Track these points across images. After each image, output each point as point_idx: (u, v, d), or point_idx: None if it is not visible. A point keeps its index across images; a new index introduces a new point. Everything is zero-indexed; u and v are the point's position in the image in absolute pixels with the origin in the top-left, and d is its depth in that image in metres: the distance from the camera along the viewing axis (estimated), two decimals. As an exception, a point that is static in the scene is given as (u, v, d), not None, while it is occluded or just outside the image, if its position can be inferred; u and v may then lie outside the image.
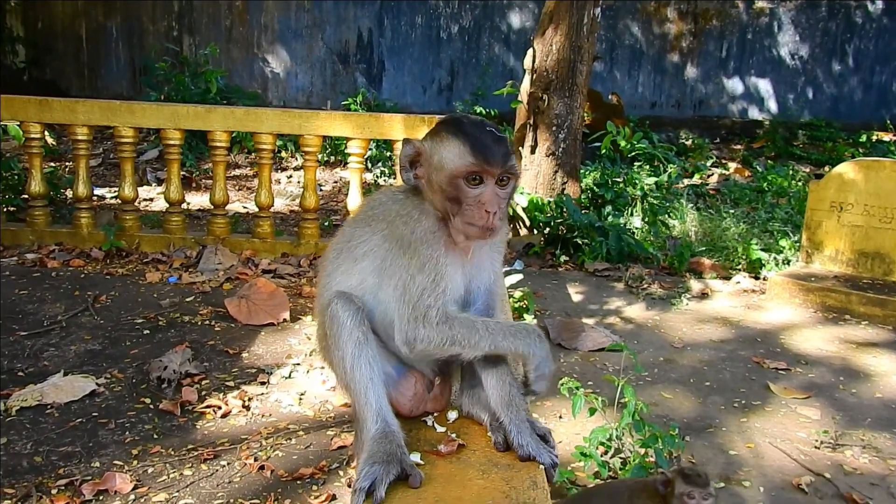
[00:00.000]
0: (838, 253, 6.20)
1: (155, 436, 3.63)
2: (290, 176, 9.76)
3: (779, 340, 5.25)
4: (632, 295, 6.04)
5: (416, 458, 1.87)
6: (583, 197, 7.66)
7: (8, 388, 3.96)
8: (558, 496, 3.05)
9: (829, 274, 6.13)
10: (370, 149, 8.98)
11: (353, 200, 6.26)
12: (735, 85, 13.19)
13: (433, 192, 1.88)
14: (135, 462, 3.40)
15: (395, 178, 8.35)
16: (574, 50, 7.42)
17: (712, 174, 10.57)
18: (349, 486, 3.26)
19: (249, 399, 4.00)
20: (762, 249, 6.81)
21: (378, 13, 12.43)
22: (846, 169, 6.20)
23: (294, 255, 6.26)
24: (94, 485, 3.19)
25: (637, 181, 7.69)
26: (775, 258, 6.71)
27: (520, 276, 5.74)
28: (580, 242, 6.80)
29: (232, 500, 3.17)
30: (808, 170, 10.70)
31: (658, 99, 13.09)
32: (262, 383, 4.19)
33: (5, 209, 6.67)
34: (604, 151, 7.96)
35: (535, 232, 7.07)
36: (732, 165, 11.13)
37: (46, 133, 6.88)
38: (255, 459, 3.45)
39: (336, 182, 9.64)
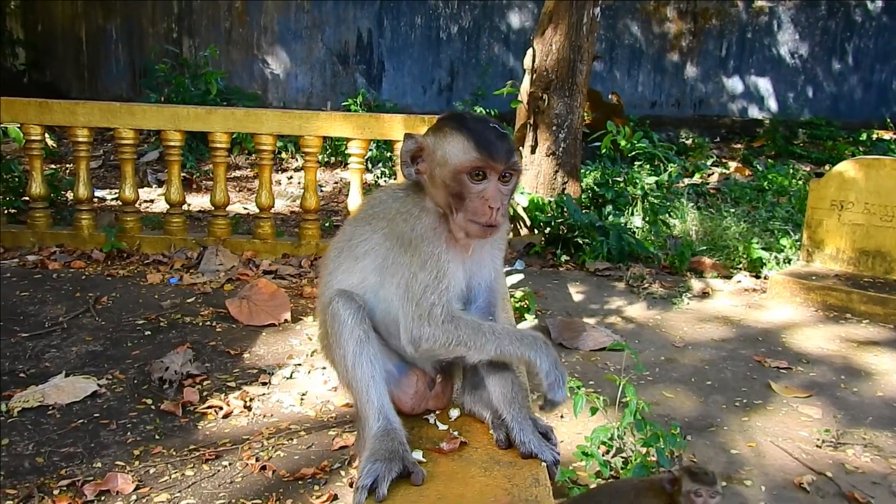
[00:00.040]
0: (839, 251, 6.19)
1: (156, 436, 3.63)
2: (291, 177, 9.77)
3: (780, 339, 5.25)
4: (633, 294, 6.04)
5: (418, 455, 1.87)
6: (583, 196, 7.67)
7: (9, 389, 3.96)
8: (560, 495, 3.05)
9: (830, 273, 6.13)
10: (370, 149, 8.99)
11: (354, 201, 6.26)
12: (735, 84, 13.19)
13: (435, 187, 1.88)
14: (136, 462, 3.41)
15: (395, 179, 8.35)
16: (574, 49, 7.42)
17: (713, 173, 10.57)
18: (351, 485, 3.26)
19: (251, 399, 4.00)
20: (763, 248, 6.80)
21: (377, 14, 12.44)
22: (847, 167, 6.20)
23: (295, 255, 6.27)
24: (95, 485, 3.19)
25: (637, 180, 7.69)
26: (776, 257, 6.71)
27: (521, 276, 5.74)
28: (581, 242, 6.80)
29: (234, 501, 3.17)
30: (808, 168, 10.70)
31: (658, 98, 13.09)
32: (264, 384, 4.19)
33: (6, 211, 6.68)
34: (604, 151, 7.96)
35: (536, 232, 7.07)
36: (733, 164, 11.13)
37: (47, 135, 6.89)
38: (257, 460, 3.45)
39: (337, 183, 9.65)
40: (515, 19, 12.66)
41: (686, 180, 9.62)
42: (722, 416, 4.12)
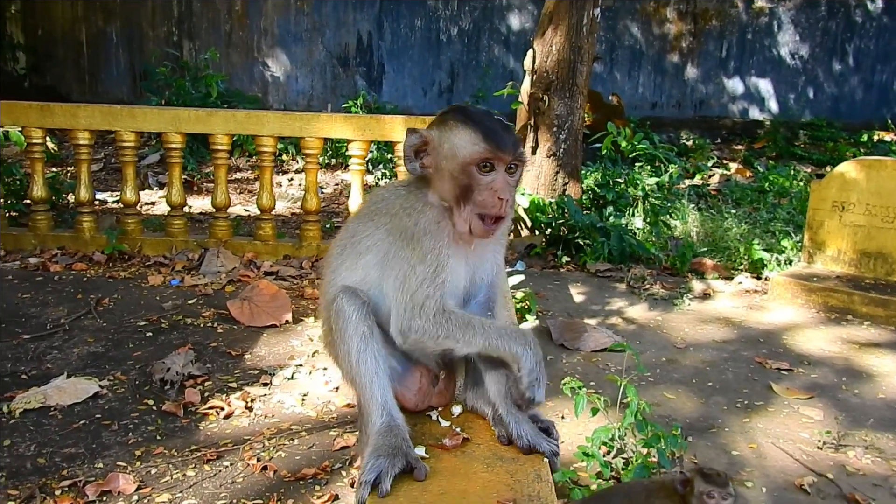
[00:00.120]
0: (840, 253, 6.19)
1: (158, 437, 3.63)
2: (292, 179, 9.78)
3: (781, 341, 5.25)
4: (634, 295, 6.04)
5: (420, 451, 1.88)
6: (584, 198, 7.67)
7: (11, 390, 3.96)
8: (561, 496, 3.05)
9: (832, 274, 6.12)
10: (371, 151, 9.00)
11: (355, 202, 6.27)
12: (735, 85, 13.19)
13: (442, 180, 1.89)
14: (138, 463, 3.41)
15: (396, 180, 8.35)
16: (574, 51, 7.43)
17: (713, 174, 10.57)
18: (352, 486, 3.26)
19: (252, 400, 4.01)
20: (764, 250, 6.80)
21: (377, 16, 12.46)
22: (848, 168, 6.19)
23: (296, 257, 6.28)
24: (97, 486, 3.20)
25: (638, 182, 7.70)
26: (777, 258, 6.70)
27: (521, 277, 5.74)
28: (582, 243, 6.80)
29: (235, 501, 3.17)
30: (809, 170, 10.70)
31: (658, 99, 13.09)
32: (265, 384, 4.19)
33: (7, 214, 6.69)
34: (605, 152, 7.96)
35: (537, 233, 7.07)
36: (733, 166, 11.13)
37: (48, 138, 6.90)
38: (258, 460, 3.45)
39: (337, 184, 9.66)
40: (515, 21, 12.68)
41: (687, 181, 9.62)
42: (723, 418, 4.12)
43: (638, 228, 7.23)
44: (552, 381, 4.18)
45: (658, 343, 5.13)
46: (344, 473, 3.39)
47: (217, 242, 6.24)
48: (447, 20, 12.61)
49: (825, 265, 6.26)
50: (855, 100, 13.40)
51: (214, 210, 6.40)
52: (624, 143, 7.79)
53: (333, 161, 10.34)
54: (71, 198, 7.04)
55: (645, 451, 3.34)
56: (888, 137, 12.61)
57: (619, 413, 3.61)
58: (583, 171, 8.38)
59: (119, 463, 3.40)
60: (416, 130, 1.92)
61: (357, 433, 3.39)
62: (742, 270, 6.65)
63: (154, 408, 3.90)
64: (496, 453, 1.91)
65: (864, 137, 12.28)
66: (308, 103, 12.47)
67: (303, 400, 4.05)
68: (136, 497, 3.16)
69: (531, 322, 5.19)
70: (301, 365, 4.43)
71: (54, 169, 8.59)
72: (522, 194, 7.09)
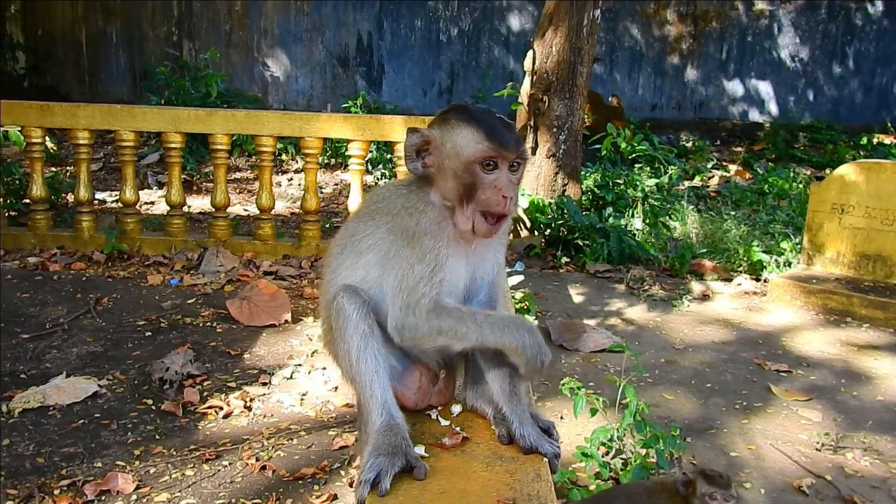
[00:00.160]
0: (840, 255, 6.19)
1: (157, 436, 3.63)
2: (291, 179, 9.78)
3: (780, 342, 5.25)
4: (633, 296, 6.05)
5: (420, 450, 1.88)
6: (583, 198, 7.68)
7: (10, 390, 3.96)
8: (559, 496, 3.05)
9: (831, 276, 6.13)
10: (371, 151, 9.00)
11: (354, 202, 6.27)
12: (735, 87, 13.20)
13: (445, 180, 1.89)
14: (137, 462, 3.41)
15: (396, 179, 8.35)
16: (574, 51, 7.44)
17: (713, 176, 10.57)
18: (351, 485, 3.26)
19: (251, 400, 4.00)
20: (763, 251, 6.80)
21: (377, 16, 12.46)
22: (847, 171, 6.20)
23: (295, 256, 6.28)
24: (96, 485, 3.20)
25: (638, 183, 7.70)
26: (776, 260, 6.71)
27: (521, 278, 5.74)
28: (581, 244, 6.81)
29: (234, 500, 3.17)
30: (808, 172, 10.71)
31: (658, 101, 13.10)
32: (264, 384, 4.19)
33: (7, 213, 6.69)
34: (604, 153, 7.97)
35: (536, 233, 7.08)
36: (733, 167, 11.14)
37: (47, 138, 6.90)
38: (257, 459, 3.45)
39: (337, 184, 9.66)
40: (515, 21, 12.69)
41: (686, 183, 9.63)
42: (722, 419, 4.12)
43: (637, 229, 7.23)
44: (551, 382, 4.19)
45: (657, 344, 5.13)
46: (343, 473, 3.39)
47: (216, 242, 6.24)
48: (447, 21, 12.61)
49: (824, 267, 6.27)
50: (855, 103, 13.40)
51: (214, 210, 6.40)
52: (623, 145, 7.80)
53: (333, 161, 10.34)
54: (70, 197, 7.04)
55: (644, 451, 3.34)
56: (888, 140, 12.62)
57: (617, 414, 3.61)
58: (582, 172, 8.38)
59: (118, 462, 3.40)
60: (417, 130, 1.92)
61: (356, 433, 3.39)
62: (741, 272, 6.65)
63: (153, 407, 3.89)
64: (496, 452, 1.91)
65: (864, 140, 12.29)
66: (308, 103, 12.47)
67: (302, 399, 4.05)
68: (134, 496, 3.16)
69: (532, 322, 5.19)
70: (300, 364, 4.43)
71: (54, 168, 8.59)
72: (522, 195, 7.10)
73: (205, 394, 4.04)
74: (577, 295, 6.05)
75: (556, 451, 1.91)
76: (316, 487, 3.28)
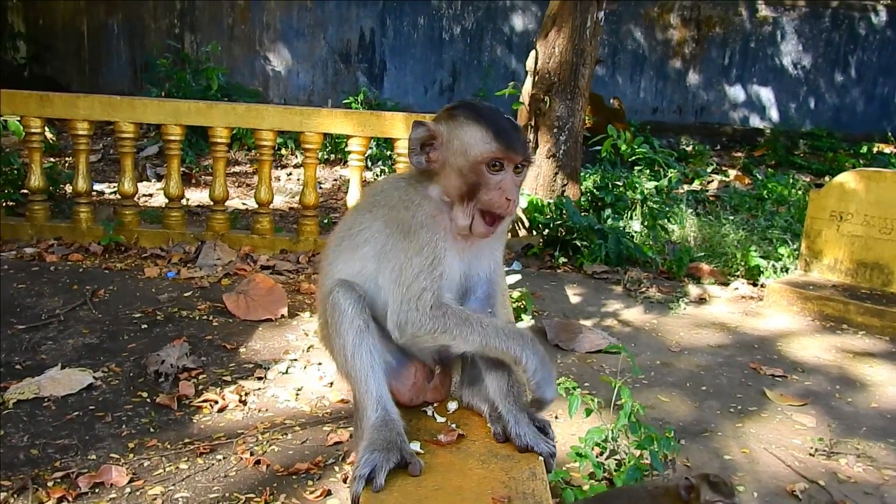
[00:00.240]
0: (837, 262, 6.20)
1: (151, 429, 3.63)
2: (290, 173, 9.77)
3: (776, 347, 5.26)
4: (630, 298, 6.05)
5: (415, 447, 1.87)
6: (582, 199, 7.68)
7: (5, 380, 3.96)
8: (553, 496, 3.05)
9: (828, 283, 6.13)
10: (371, 147, 8.99)
11: (353, 198, 6.26)
12: (737, 92, 13.21)
13: (448, 176, 1.88)
14: (131, 455, 3.40)
15: (396, 173, 8.34)
16: (576, 53, 7.44)
17: (712, 180, 10.58)
18: (345, 481, 3.26)
19: (246, 394, 4.00)
20: (761, 257, 6.81)
21: (380, 13, 12.45)
22: (847, 179, 6.20)
23: (293, 251, 6.27)
24: (90, 477, 3.19)
25: (637, 185, 7.70)
26: (774, 266, 6.72)
27: (518, 277, 5.75)
28: (579, 244, 6.81)
29: (227, 495, 3.17)
30: (808, 179, 10.71)
31: (660, 104, 13.11)
32: (259, 378, 4.19)
33: (5, 204, 6.67)
34: (604, 155, 7.97)
35: (535, 233, 7.08)
36: (732, 172, 11.15)
37: (46, 128, 6.87)
38: (251, 454, 3.45)
39: (336, 180, 9.65)
40: (518, 21, 12.68)
41: (686, 186, 9.64)
42: (716, 422, 4.12)
43: (636, 232, 7.24)
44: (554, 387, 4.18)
45: (653, 346, 5.13)
46: (337, 469, 3.39)
47: (214, 235, 6.23)
48: (450, 19, 12.61)
49: (822, 274, 6.28)
50: (856, 111, 13.42)
51: (212, 203, 6.39)
52: (624, 147, 7.80)
53: (332, 156, 10.33)
54: (69, 188, 7.02)
55: (638, 452, 3.34)
56: (888, 150, 12.64)
57: (612, 415, 3.61)
58: (582, 174, 8.38)
59: (112, 455, 3.40)
60: (423, 123, 1.90)
61: (351, 429, 3.39)
62: (738, 276, 6.66)
63: (148, 400, 3.89)
64: (491, 450, 1.91)
65: (864, 149, 12.30)
66: (309, 99, 12.45)
67: (297, 395, 4.05)
68: (128, 489, 3.16)
69: (527, 322, 5.19)
70: (296, 359, 4.42)
71: (52, 159, 8.57)
72: (522, 194, 7.09)
73: (200, 387, 4.03)
74: (574, 295, 6.05)
75: (552, 450, 1.91)
76: (310, 483, 3.28)
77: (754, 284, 6.54)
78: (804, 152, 12.45)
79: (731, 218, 8.30)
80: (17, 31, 12.43)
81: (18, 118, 6.21)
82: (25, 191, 6.49)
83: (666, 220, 7.62)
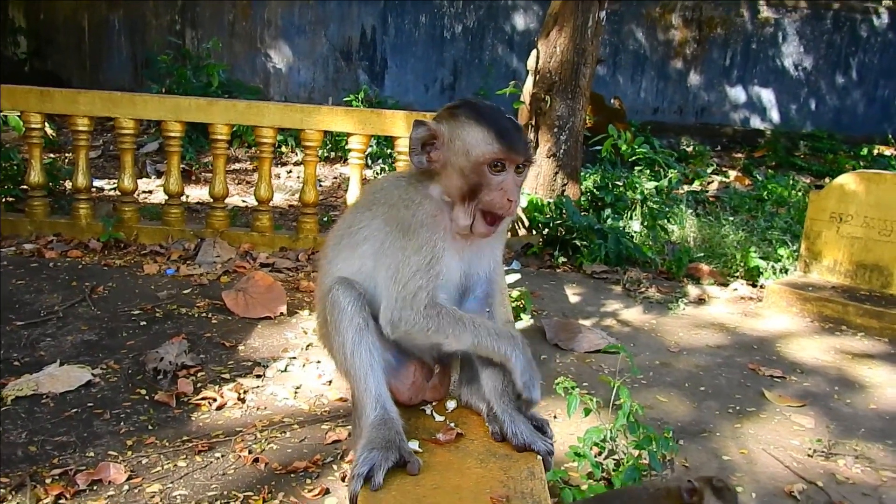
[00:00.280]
0: (836, 264, 6.20)
1: (150, 427, 3.62)
2: (290, 171, 9.77)
3: (775, 348, 5.26)
4: (629, 298, 6.05)
5: (414, 445, 1.87)
6: (582, 199, 7.67)
7: (4, 377, 3.95)
8: (552, 495, 3.04)
9: (827, 284, 6.14)
10: (371, 145, 8.98)
11: (353, 196, 6.26)
12: (738, 93, 13.20)
13: (449, 176, 1.88)
14: (129, 453, 3.40)
15: (396, 171, 8.33)
16: (578, 52, 7.43)
17: (712, 181, 10.58)
18: (343, 480, 3.26)
19: (245, 392, 4.00)
20: (760, 258, 6.81)
21: (382, 11, 12.44)
22: (847, 180, 6.20)
23: (292, 249, 6.27)
24: (88, 474, 3.19)
25: (637, 185, 7.70)
26: (773, 267, 6.72)
27: (517, 276, 5.75)
28: (579, 244, 6.81)
29: (225, 493, 3.16)
30: (808, 180, 10.72)
31: (660, 105, 13.10)
32: (258, 376, 4.18)
33: (4, 199, 6.66)
34: (605, 155, 7.97)
35: (534, 232, 7.07)
36: (733, 173, 11.15)
37: (46, 124, 6.87)
38: (250, 452, 3.45)
39: (336, 178, 9.64)
40: (520, 20, 12.67)
41: (686, 187, 9.63)
42: (715, 422, 4.12)
43: (635, 232, 7.24)
44: (545, 381, 4.17)
45: (652, 346, 5.13)
46: (335, 467, 3.39)
47: (214, 233, 6.22)
48: (451, 17, 12.60)
49: (821, 275, 6.28)
50: (857, 113, 13.41)
51: (212, 200, 6.38)
52: (624, 147, 7.79)
53: (333, 154, 10.32)
54: (68, 184, 7.01)
55: (636, 452, 3.34)
56: (888, 152, 12.63)
57: (611, 414, 3.61)
58: (582, 173, 8.38)
59: (110, 452, 3.39)
60: (424, 122, 1.90)
61: (349, 427, 3.39)
62: (738, 277, 6.66)
63: (146, 397, 3.89)
64: (490, 449, 1.91)
65: (865, 151, 12.29)
66: (309, 96, 12.44)
67: (295, 393, 4.04)
68: (126, 487, 3.16)
69: (526, 321, 5.19)
70: (295, 357, 4.42)
71: (52, 155, 8.56)
72: (522, 194, 7.08)
73: (199, 385, 4.03)
74: (573, 295, 6.05)
75: (549, 447, 1.91)
76: (308, 481, 3.28)
77: (754, 285, 6.54)
78: (804, 154, 12.46)
79: (731, 219, 8.30)
80: (17, 25, 12.41)
81: (18, 113, 6.18)
82: (25, 186, 6.48)
83: (666, 221, 7.62)
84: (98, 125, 8.37)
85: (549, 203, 7.16)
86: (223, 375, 4.16)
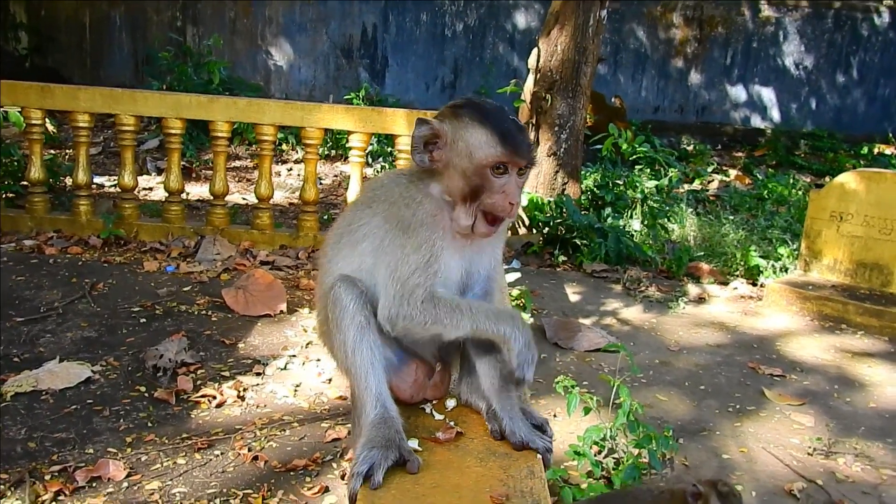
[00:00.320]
0: (837, 262, 6.20)
1: (149, 424, 3.62)
2: (291, 169, 9.76)
3: (775, 347, 5.26)
4: (629, 297, 6.05)
5: (414, 444, 1.87)
6: (583, 198, 7.67)
7: (3, 373, 3.95)
8: (551, 494, 3.04)
9: (827, 283, 6.13)
10: (371, 143, 8.97)
11: (354, 194, 6.25)
12: (738, 92, 13.19)
13: (451, 177, 1.87)
14: (128, 450, 3.40)
15: (396, 168, 8.33)
16: (579, 51, 7.42)
17: (713, 180, 10.57)
18: (342, 478, 3.26)
19: (244, 389, 4.00)
20: (760, 256, 6.80)
21: (383, 9, 12.43)
22: (847, 179, 6.20)
23: (292, 247, 6.26)
24: (87, 471, 3.19)
25: (637, 184, 7.70)
26: (773, 265, 6.71)
27: (518, 275, 5.74)
28: (579, 243, 6.80)
29: (225, 490, 3.16)
30: (808, 179, 10.71)
31: (661, 103, 13.09)
32: (258, 374, 4.18)
33: (4, 195, 6.66)
34: (605, 153, 7.96)
35: (535, 231, 7.07)
36: (733, 172, 11.14)
37: (47, 120, 6.86)
38: (249, 450, 3.45)
39: (336, 176, 9.64)
40: (521, 19, 12.66)
41: (686, 186, 9.63)
42: (715, 421, 4.12)
43: (635, 231, 7.23)
44: (545, 380, 4.19)
45: (652, 345, 5.13)
46: (335, 465, 3.39)
47: (214, 230, 6.22)
48: (453, 16, 12.58)
49: (821, 274, 6.27)
50: (857, 112, 13.40)
51: (212, 197, 6.37)
52: (625, 146, 7.78)
53: (333, 152, 10.32)
54: (68, 181, 7.00)
55: (636, 451, 3.34)
56: (889, 151, 12.62)
57: (611, 413, 3.61)
58: (582, 172, 8.37)
59: (109, 449, 3.39)
60: (427, 121, 1.88)
61: (349, 425, 3.39)
62: (738, 276, 6.66)
63: (146, 395, 3.89)
64: (489, 448, 1.91)
65: (865, 150, 12.28)
66: (310, 94, 12.43)
67: (295, 391, 4.04)
68: (125, 484, 3.16)
69: (526, 320, 5.18)
70: (294, 355, 4.42)
71: (53, 151, 8.56)
72: (522, 193, 7.08)
73: (198, 382, 4.03)
74: (573, 294, 6.04)
75: (548, 445, 1.91)
76: (308, 479, 3.28)
77: (754, 284, 6.54)
78: (805, 153, 12.45)
79: (731, 218, 8.29)
80: (18, 21, 12.40)
81: (19, 109, 6.20)
82: (25, 182, 6.48)
83: (666, 220, 7.61)
84: (99, 122, 8.38)
85: (549, 202, 7.16)
86: (223, 373, 4.16)
